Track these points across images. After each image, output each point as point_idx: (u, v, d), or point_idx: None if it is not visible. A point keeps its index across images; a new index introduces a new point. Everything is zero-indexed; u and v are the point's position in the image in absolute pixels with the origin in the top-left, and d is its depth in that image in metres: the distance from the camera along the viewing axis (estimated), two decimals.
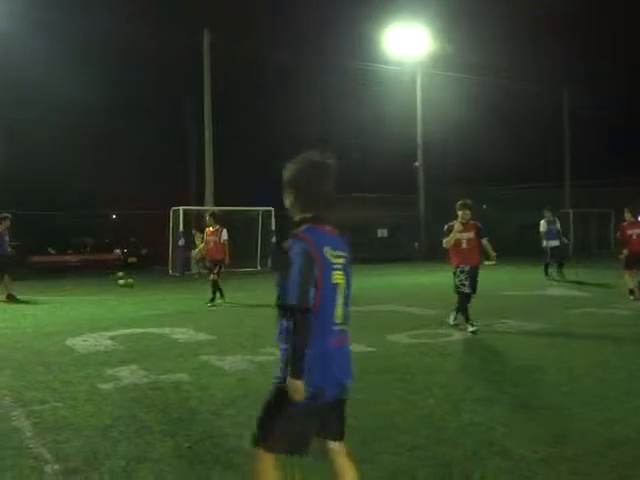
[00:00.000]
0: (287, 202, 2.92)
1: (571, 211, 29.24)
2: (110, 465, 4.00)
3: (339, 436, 2.95)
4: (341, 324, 2.84)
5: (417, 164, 30.69)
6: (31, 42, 25.49)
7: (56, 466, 3.99)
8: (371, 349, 7.57)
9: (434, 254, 27.62)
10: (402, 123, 30.44)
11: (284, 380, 2.74)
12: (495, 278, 18.45)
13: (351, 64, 29.68)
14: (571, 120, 33.33)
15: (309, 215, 2.83)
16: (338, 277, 2.80)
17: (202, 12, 27.46)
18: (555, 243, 16.39)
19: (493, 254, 8.88)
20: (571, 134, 33.34)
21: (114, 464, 4.01)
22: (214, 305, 12.13)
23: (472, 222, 8.86)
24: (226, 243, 12.52)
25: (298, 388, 2.67)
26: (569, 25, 31.13)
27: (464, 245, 8.72)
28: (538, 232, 16.79)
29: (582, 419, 4.80)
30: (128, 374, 6.41)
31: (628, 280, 12.04)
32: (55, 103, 28.36)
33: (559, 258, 16.44)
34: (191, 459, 4.07)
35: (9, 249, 14.15)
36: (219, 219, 13.11)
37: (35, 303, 13.27)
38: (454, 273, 8.77)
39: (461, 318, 8.75)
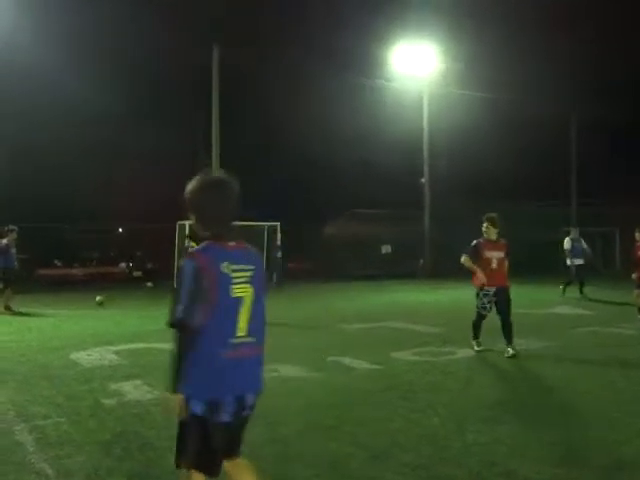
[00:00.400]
0: (192, 220, 2.97)
1: (577, 229, 29.18)
2: None
3: (235, 454, 2.98)
4: (245, 337, 2.83)
5: (423, 180, 30.75)
6: (38, 53, 25.73)
7: None
8: (375, 366, 7.55)
9: (439, 271, 27.63)
10: (408, 139, 30.56)
11: (187, 396, 2.77)
12: None
13: (357, 79, 29.86)
14: (578, 138, 33.38)
15: (210, 233, 2.89)
16: (240, 291, 2.82)
17: (212, 27, 27.69)
18: (580, 261, 16.17)
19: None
20: (578, 151, 33.37)
21: None
22: None
23: (503, 240, 8.29)
24: None
25: (173, 403, 2.74)
26: (577, 42, 31.17)
27: (494, 265, 8.10)
28: (562, 250, 16.64)
29: (587, 440, 4.76)
30: (132, 389, 6.40)
31: (638, 299, 11.93)
32: (62, 115, 28.59)
33: (581, 277, 16.16)
34: None
35: (16, 262, 14.22)
36: None
37: (40, 316, 13.28)
38: (477, 294, 8.28)
39: (512, 345, 8.08)
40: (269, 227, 24.27)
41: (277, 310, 14.93)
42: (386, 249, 30.64)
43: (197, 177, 2.94)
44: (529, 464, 4.23)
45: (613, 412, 5.50)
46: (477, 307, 8.33)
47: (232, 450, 2.94)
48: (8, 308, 13.68)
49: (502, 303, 8.14)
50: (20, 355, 8.50)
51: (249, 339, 2.85)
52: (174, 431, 4.93)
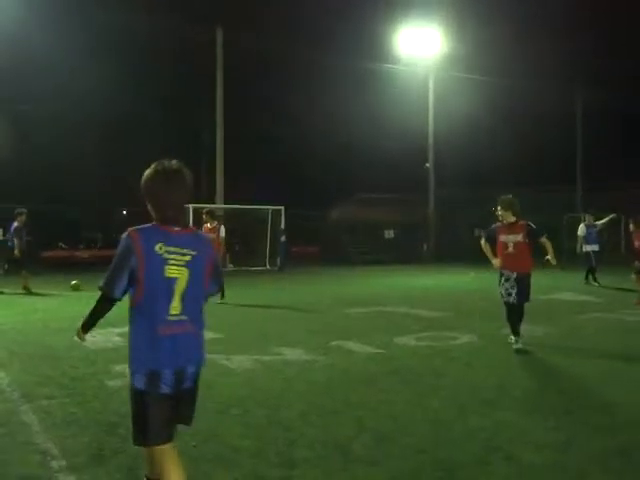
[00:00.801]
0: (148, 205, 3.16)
1: (583, 215, 29.11)
2: (116, 462, 4.03)
3: (183, 421, 3.16)
4: (178, 315, 3.01)
5: (428, 165, 30.66)
6: (46, 34, 25.60)
7: (63, 462, 4.01)
8: (378, 351, 7.58)
9: (442, 255, 27.64)
10: (411, 123, 30.42)
11: (131, 372, 3.01)
12: None
13: (362, 63, 29.67)
14: (585, 123, 33.20)
15: (158, 216, 3.09)
16: (174, 272, 2.99)
17: (215, 10, 27.50)
18: (595, 247, 15.63)
19: (550, 256, 7.76)
20: (584, 137, 33.21)
21: (120, 461, 4.04)
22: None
23: (522, 222, 7.70)
24: (223, 241, 12.58)
25: (78, 331, 3.19)
26: (584, 24, 30.84)
27: (510, 249, 7.64)
28: (571, 237, 16.15)
29: (589, 425, 4.78)
30: None
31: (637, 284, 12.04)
32: (68, 97, 28.50)
33: (593, 263, 15.67)
34: (196, 457, 4.09)
35: (24, 242, 14.47)
36: (216, 216, 13.23)
37: (46, 297, 13.37)
38: (499, 280, 7.78)
39: (516, 338, 7.63)
40: (273, 211, 24.28)
41: (280, 294, 14.98)
42: (389, 233, 30.62)
43: (152, 165, 3.12)
44: (531, 449, 4.25)
45: (615, 398, 5.52)
46: (500, 294, 7.75)
47: (180, 421, 3.12)
48: (26, 288, 14.01)
49: (519, 289, 7.62)
50: (26, 336, 8.56)
51: (183, 317, 3.02)
52: None
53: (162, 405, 2.96)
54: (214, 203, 24.20)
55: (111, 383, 5.94)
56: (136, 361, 2.98)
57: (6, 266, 14.31)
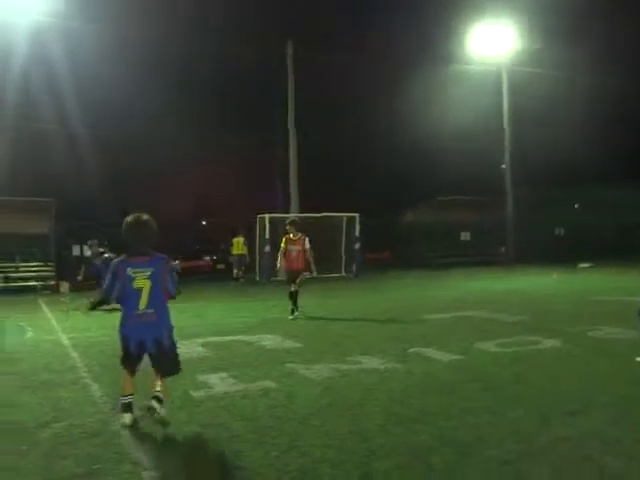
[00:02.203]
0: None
1: None
2: (202, 473, 4.16)
3: (161, 373, 5.27)
4: (145, 309, 5.05)
5: (504, 166, 29.98)
6: (126, 51, 26.79)
7: (153, 472, 4.17)
8: (458, 357, 7.47)
9: (522, 257, 26.89)
10: (487, 122, 29.83)
11: (118, 333, 5.20)
12: (588, 282, 17.70)
13: (434, 63, 29.36)
14: None
15: (130, 250, 5.11)
16: (140, 283, 5.01)
17: (286, 21, 27.97)
18: None
19: None
20: None
21: (207, 472, 4.16)
22: (295, 317, 12.12)
23: None
24: (309, 252, 12.46)
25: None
26: None
27: None
28: None
29: None
30: (218, 381, 6.62)
31: None
32: (149, 111, 29.66)
33: None
34: (279, 468, 4.16)
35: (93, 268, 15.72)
36: (300, 227, 12.84)
37: None
38: None
39: None
40: (348, 218, 24.34)
41: (357, 302, 15.00)
42: (465, 236, 30.13)
43: (130, 216, 5.15)
44: (621, 461, 4.09)
45: None
46: None
47: (157, 369, 5.25)
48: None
49: None
50: (114, 349, 8.90)
51: (148, 311, 5.05)
52: (261, 423, 5.12)
53: (130, 355, 5.15)
54: (289, 212, 24.51)
55: (195, 394, 6.13)
56: (121, 329, 5.15)
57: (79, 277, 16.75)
